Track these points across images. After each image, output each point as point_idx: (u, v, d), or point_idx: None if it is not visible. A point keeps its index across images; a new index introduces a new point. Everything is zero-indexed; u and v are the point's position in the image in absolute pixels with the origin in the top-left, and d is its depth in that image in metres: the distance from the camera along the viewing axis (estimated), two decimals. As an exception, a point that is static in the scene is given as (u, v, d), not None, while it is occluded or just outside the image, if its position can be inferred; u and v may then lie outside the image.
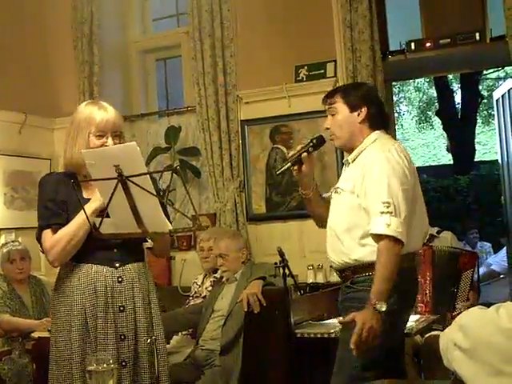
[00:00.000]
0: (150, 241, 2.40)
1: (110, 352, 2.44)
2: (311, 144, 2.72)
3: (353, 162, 2.70)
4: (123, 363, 2.46)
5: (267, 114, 4.72)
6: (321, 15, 4.61)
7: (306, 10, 4.66)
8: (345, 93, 2.72)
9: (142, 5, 5.66)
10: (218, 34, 4.81)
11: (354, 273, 2.62)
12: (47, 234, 2.55)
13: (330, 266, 3.03)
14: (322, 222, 2.86)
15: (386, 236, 2.47)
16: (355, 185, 2.60)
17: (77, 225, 2.49)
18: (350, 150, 2.74)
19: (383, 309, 2.40)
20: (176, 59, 5.58)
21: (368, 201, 2.54)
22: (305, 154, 2.69)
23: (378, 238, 2.50)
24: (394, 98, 17.56)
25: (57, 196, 2.55)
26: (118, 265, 2.56)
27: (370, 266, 2.55)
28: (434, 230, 4.10)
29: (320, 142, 2.76)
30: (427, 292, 3.64)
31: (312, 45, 4.63)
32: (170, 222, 2.56)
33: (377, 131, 2.70)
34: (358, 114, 2.67)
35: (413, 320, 3.30)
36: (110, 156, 2.27)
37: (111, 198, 2.25)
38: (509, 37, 3.97)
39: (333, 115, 2.71)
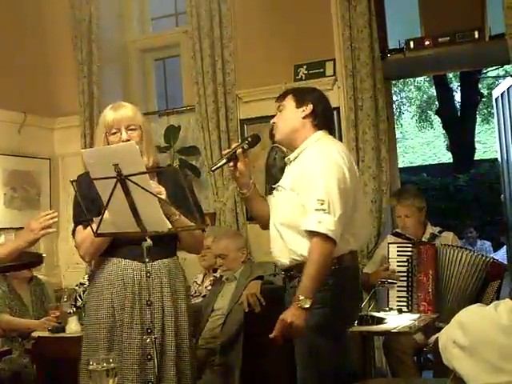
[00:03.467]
0: (148, 240, 2.40)
1: (136, 345, 2.53)
2: (246, 142, 2.75)
3: (294, 160, 2.74)
4: (148, 357, 2.50)
5: (266, 113, 4.68)
6: (319, 14, 4.61)
7: (304, 8, 4.65)
8: (293, 91, 2.82)
9: (141, 4, 5.66)
10: (216, 33, 4.81)
11: (301, 271, 2.58)
12: (79, 230, 2.66)
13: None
14: (264, 224, 2.91)
15: (318, 233, 2.48)
16: (295, 182, 2.63)
17: None
18: (289, 146, 2.80)
19: (307, 305, 2.44)
20: (175, 59, 5.58)
21: (305, 198, 2.57)
22: (239, 150, 2.69)
23: (310, 234, 2.52)
24: (395, 98, 17.62)
25: (90, 193, 2.55)
26: (147, 260, 2.56)
27: None
28: (436, 230, 4.08)
29: (255, 140, 2.79)
30: (430, 290, 3.62)
31: (311, 44, 4.63)
32: (203, 218, 2.75)
33: (320, 131, 2.73)
34: (303, 110, 2.72)
35: (412, 318, 3.30)
36: (108, 155, 2.28)
37: (110, 196, 2.26)
38: (508, 35, 3.96)
39: (280, 111, 2.77)
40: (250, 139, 2.76)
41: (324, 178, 2.54)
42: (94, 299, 2.65)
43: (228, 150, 2.74)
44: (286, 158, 2.83)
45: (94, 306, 2.64)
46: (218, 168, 2.80)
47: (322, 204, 2.49)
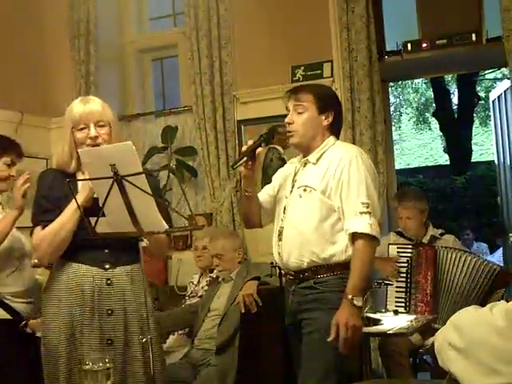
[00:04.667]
0: (145, 239, 2.39)
1: (95, 356, 2.31)
2: (262, 139, 2.70)
3: (316, 162, 2.71)
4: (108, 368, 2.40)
5: (264, 114, 4.71)
6: (317, 15, 4.62)
7: (302, 10, 4.66)
8: (316, 94, 2.73)
9: (139, 4, 5.66)
10: (214, 33, 4.81)
11: (316, 273, 2.64)
12: (36, 230, 2.52)
13: (279, 268, 2.98)
14: (252, 223, 2.91)
15: (367, 235, 2.55)
16: (328, 185, 2.63)
17: (60, 222, 2.44)
18: (305, 149, 2.77)
19: (360, 303, 2.50)
20: (173, 59, 5.58)
21: (345, 201, 2.60)
22: (260, 148, 2.67)
23: (356, 237, 2.56)
24: (393, 100, 17.63)
25: (51, 192, 2.51)
26: (108, 266, 2.49)
27: (334, 267, 2.62)
28: (438, 232, 4.08)
29: (269, 137, 2.76)
30: (428, 292, 3.62)
31: (309, 45, 4.63)
32: (170, 222, 2.53)
33: (333, 135, 2.76)
34: (325, 118, 2.72)
35: (409, 320, 3.30)
36: (105, 155, 2.26)
37: (107, 197, 2.25)
38: (505, 38, 3.98)
39: (299, 113, 2.71)
40: (265, 136, 2.72)
41: (365, 181, 2.60)
42: (53, 306, 2.51)
43: (247, 147, 2.68)
44: (303, 159, 2.78)
45: (52, 313, 2.50)
46: (238, 166, 2.71)
47: (367, 207, 2.56)
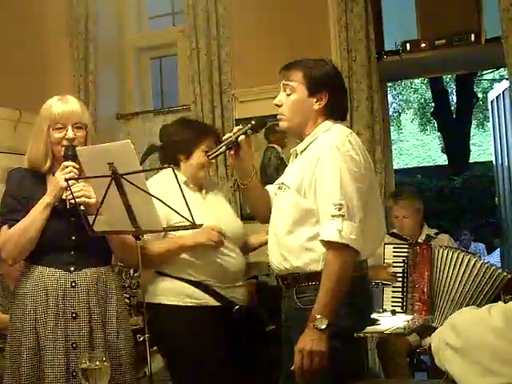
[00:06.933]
0: (143, 238, 2.38)
1: (59, 361, 2.36)
2: (250, 126, 2.41)
3: (301, 153, 2.39)
4: (73, 373, 2.34)
5: (262, 113, 4.66)
6: (316, 15, 4.62)
7: (301, 9, 4.66)
8: (307, 72, 2.36)
9: (138, 3, 5.65)
10: (213, 32, 4.81)
11: (297, 281, 2.34)
12: (3, 230, 2.48)
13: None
14: (262, 218, 2.58)
15: (337, 244, 2.16)
16: (303, 182, 2.29)
17: (28, 221, 2.41)
18: (297, 136, 2.44)
19: (323, 326, 2.12)
20: (171, 58, 5.57)
21: (318, 202, 2.24)
22: (242, 136, 2.37)
23: (327, 244, 2.19)
24: (393, 100, 17.65)
25: (19, 192, 2.48)
26: (72, 268, 2.45)
27: (313, 275, 2.28)
28: (432, 232, 4.08)
29: (260, 124, 2.48)
30: (424, 291, 3.61)
31: (307, 44, 4.62)
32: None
33: (332, 120, 2.40)
34: (317, 101, 2.36)
35: (406, 319, 3.30)
36: (103, 154, 2.26)
37: (105, 195, 2.25)
38: (504, 38, 3.98)
39: (288, 94, 2.38)
40: (253, 122, 2.42)
41: (340, 177, 2.19)
42: (19, 310, 2.46)
43: (229, 135, 2.40)
44: (291, 150, 2.48)
45: (19, 317, 2.45)
46: (216, 156, 2.44)
47: (339, 209, 2.16)
